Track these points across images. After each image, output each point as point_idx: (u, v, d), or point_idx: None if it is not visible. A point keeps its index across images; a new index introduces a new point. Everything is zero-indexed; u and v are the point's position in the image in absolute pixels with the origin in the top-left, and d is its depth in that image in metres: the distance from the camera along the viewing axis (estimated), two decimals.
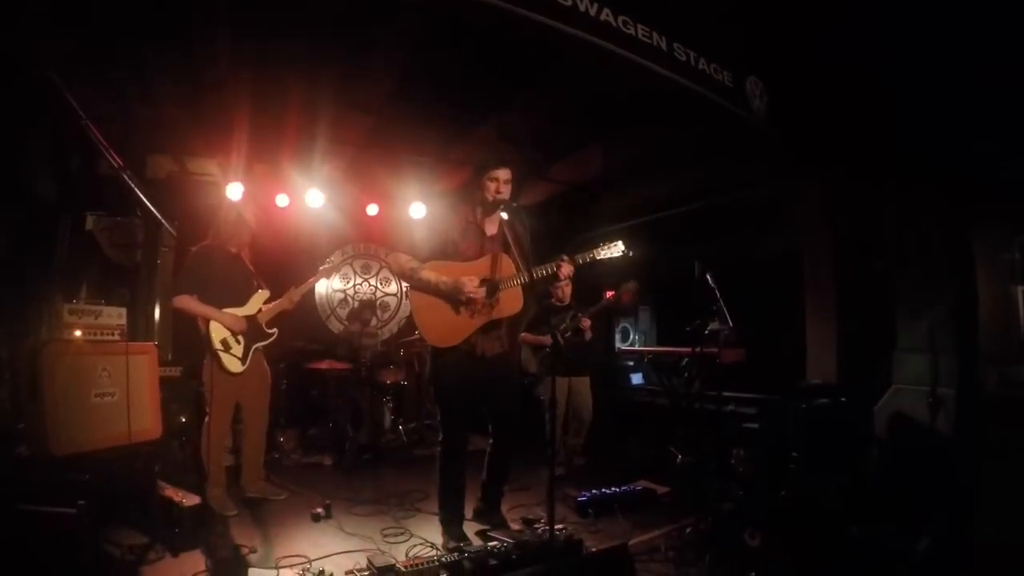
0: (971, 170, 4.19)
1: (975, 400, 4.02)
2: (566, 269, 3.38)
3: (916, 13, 3.89)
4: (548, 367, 5.10)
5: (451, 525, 3.58)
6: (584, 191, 7.16)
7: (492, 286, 3.42)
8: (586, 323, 5.24)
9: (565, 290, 5.38)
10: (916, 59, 4.08)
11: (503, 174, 3.49)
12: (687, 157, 5.78)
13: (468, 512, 3.78)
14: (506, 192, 3.50)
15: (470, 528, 3.72)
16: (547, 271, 3.39)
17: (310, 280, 4.59)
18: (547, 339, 5.14)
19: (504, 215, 3.51)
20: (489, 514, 3.80)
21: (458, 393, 3.50)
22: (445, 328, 3.41)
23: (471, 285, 3.34)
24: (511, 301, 3.47)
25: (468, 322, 3.42)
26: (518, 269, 3.42)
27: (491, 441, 3.73)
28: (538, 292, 3.57)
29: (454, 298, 3.37)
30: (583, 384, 5.45)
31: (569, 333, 5.24)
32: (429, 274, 3.37)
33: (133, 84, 4.55)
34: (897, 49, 4.11)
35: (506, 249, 3.48)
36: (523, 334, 5.32)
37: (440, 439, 3.62)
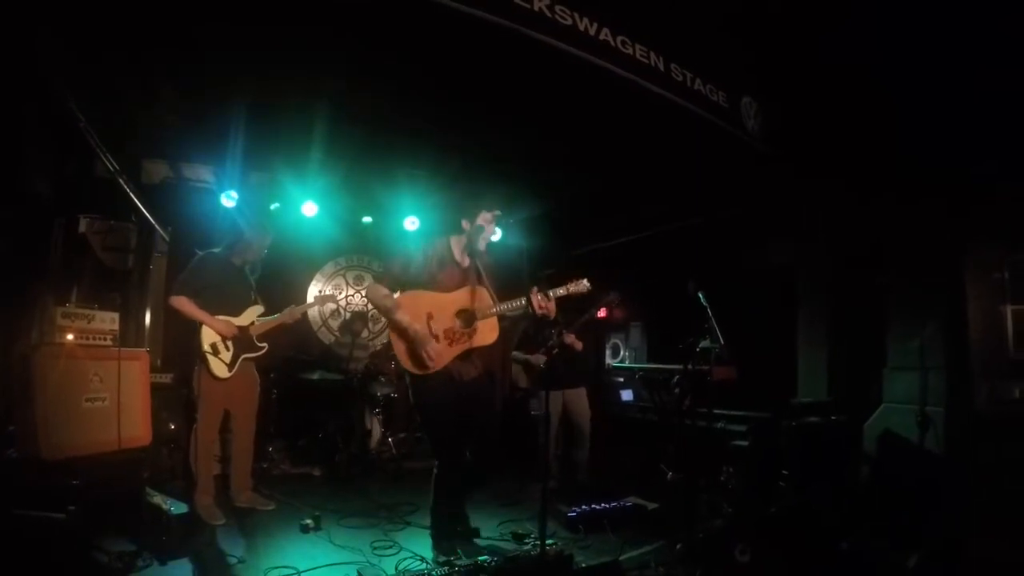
0: (964, 191, 4.27)
1: (965, 416, 4.07)
2: (536, 303, 3.44)
3: (914, 23, 3.97)
4: (538, 382, 5.20)
5: (442, 540, 3.60)
6: (577, 207, 7.20)
7: (470, 316, 3.51)
8: (570, 338, 5.19)
9: (550, 306, 5.31)
10: (913, 68, 4.16)
11: (495, 215, 3.64)
12: (681, 172, 5.82)
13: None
14: (492, 234, 3.65)
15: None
16: (519, 303, 3.49)
17: (311, 303, 4.79)
18: (536, 358, 5.24)
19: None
20: (458, 520, 3.84)
21: (444, 416, 3.51)
22: (419, 358, 3.42)
23: (433, 349, 3.39)
24: (488, 331, 3.56)
25: (446, 351, 3.47)
26: (494, 300, 3.54)
27: (469, 457, 3.72)
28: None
29: (418, 345, 3.38)
30: (579, 395, 5.38)
31: (556, 350, 5.12)
32: (403, 316, 3.40)
33: (131, 89, 4.55)
34: (895, 57, 4.18)
35: (481, 281, 3.59)
36: (514, 352, 5.39)
37: (436, 463, 3.60)
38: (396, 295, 3.52)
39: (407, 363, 3.47)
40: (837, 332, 5.08)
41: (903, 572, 3.15)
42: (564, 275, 3.67)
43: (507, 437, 6.33)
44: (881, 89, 4.39)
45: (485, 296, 3.56)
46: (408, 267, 3.54)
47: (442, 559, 3.44)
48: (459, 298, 3.54)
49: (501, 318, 3.57)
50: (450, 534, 3.64)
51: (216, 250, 4.36)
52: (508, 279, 3.71)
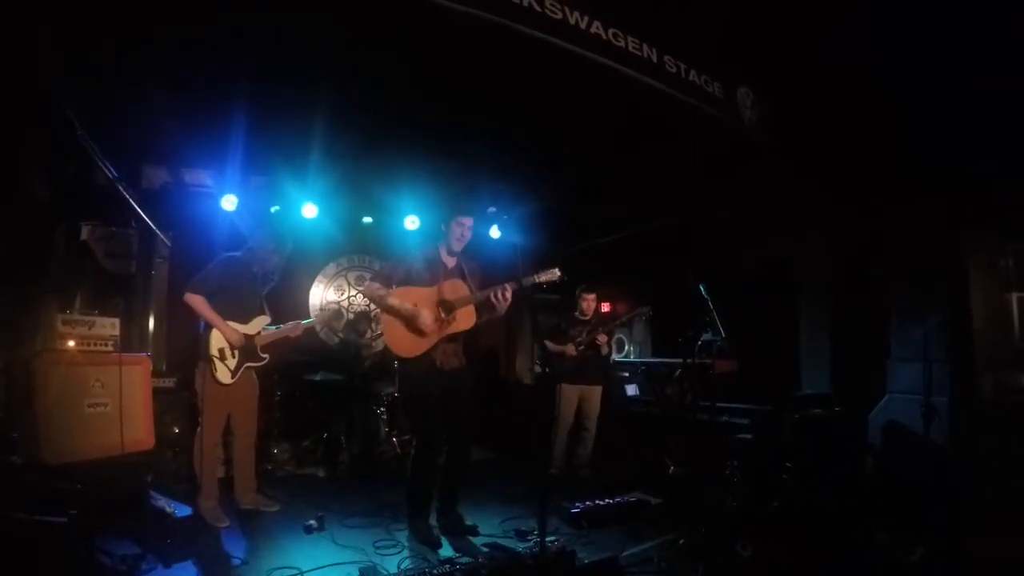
0: (967, 179, 4.24)
1: (970, 407, 4.04)
2: (508, 292, 3.82)
3: (913, 23, 3.95)
4: (562, 374, 5.50)
5: (416, 520, 3.94)
6: (576, 203, 7.17)
7: (449, 306, 3.90)
8: (603, 339, 5.57)
9: (588, 305, 5.74)
10: (913, 67, 4.14)
11: (468, 221, 4.02)
12: (681, 167, 5.79)
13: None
14: (468, 236, 4.04)
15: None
16: (494, 292, 3.85)
17: (315, 319, 4.71)
18: (568, 348, 5.56)
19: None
20: (447, 514, 4.10)
21: (426, 399, 3.90)
22: (409, 341, 3.88)
23: (426, 318, 3.81)
24: (466, 318, 3.95)
25: (429, 336, 3.87)
26: (471, 292, 3.96)
27: (446, 448, 4.05)
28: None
29: (412, 322, 3.82)
30: (595, 394, 5.68)
31: (583, 347, 5.54)
32: (394, 300, 3.85)
33: (129, 95, 4.56)
34: (894, 56, 4.16)
35: (462, 276, 4.04)
36: (546, 342, 5.64)
37: (415, 444, 4.01)
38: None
39: (397, 347, 3.90)
40: (839, 324, 5.06)
41: (907, 566, 3.13)
42: (564, 275, 3.88)
43: (508, 433, 6.42)
44: (881, 89, 4.38)
45: (463, 288, 3.97)
46: (396, 270, 3.98)
47: (421, 535, 3.82)
48: (441, 290, 3.93)
49: (478, 307, 3.97)
50: (425, 515, 3.96)
51: (237, 254, 4.37)
52: (505, 276, 3.90)
